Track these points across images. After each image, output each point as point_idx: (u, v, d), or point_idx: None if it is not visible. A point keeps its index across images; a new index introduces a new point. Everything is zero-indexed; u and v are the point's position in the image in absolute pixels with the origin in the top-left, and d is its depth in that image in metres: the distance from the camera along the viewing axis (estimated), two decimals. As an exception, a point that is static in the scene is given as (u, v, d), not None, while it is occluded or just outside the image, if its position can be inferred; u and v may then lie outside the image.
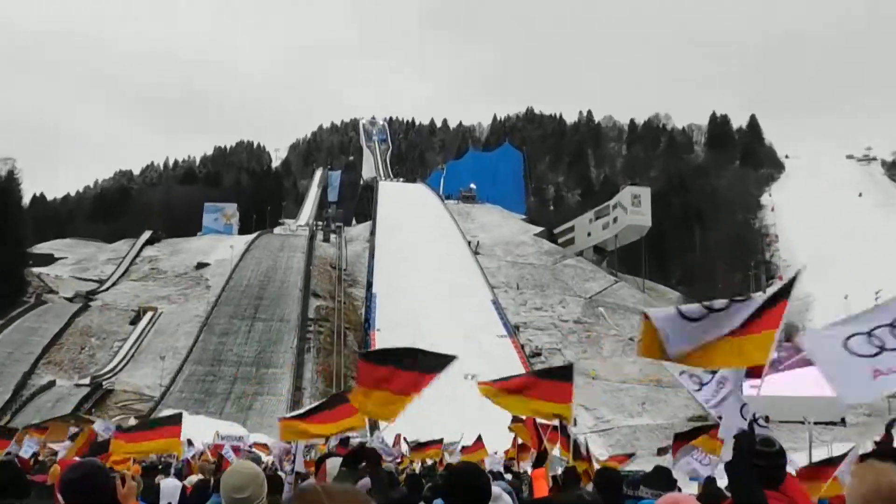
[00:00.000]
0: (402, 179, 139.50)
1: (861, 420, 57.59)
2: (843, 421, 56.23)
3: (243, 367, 61.40)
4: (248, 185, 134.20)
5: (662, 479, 5.66)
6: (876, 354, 3.79)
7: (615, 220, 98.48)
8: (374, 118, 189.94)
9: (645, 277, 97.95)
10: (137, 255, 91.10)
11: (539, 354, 72.10)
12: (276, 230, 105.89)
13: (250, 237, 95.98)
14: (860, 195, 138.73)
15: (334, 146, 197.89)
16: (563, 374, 7.56)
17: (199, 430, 35.12)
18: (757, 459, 3.41)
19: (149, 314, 72.59)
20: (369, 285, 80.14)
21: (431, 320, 69.47)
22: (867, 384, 3.81)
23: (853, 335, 3.92)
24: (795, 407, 48.27)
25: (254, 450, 21.38)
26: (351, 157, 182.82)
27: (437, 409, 51.44)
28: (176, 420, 11.03)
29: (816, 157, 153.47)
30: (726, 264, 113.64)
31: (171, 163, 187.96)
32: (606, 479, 5.72)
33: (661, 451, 49.69)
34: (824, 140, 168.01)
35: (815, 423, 48.58)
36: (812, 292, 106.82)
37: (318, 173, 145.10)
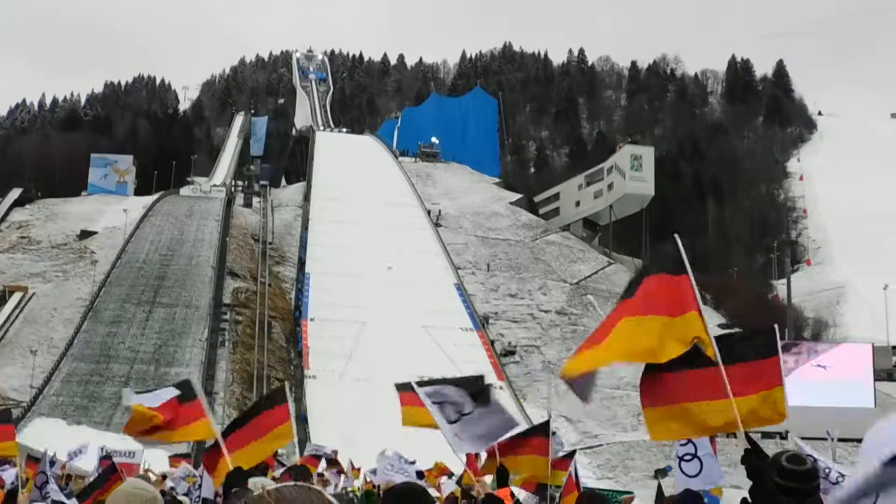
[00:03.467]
0: (345, 130, 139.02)
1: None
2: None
3: (139, 365, 60.90)
4: (149, 134, 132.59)
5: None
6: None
7: (610, 186, 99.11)
8: (310, 51, 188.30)
9: (645, 260, 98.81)
10: (2, 219, 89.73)
11: (513, 353, 72.61)
12: (184, 191, 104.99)
13: (150, 199, 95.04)
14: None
15: (259, 86, 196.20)
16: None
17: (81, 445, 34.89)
18: (786, 481, 3.45)
19: (16, 296, 71.59)
20: (301, 263, 79.90)
21: (379, 309, 69.52)
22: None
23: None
24: (818, 419, 49.15)
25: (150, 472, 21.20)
26: (281, 101, 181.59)
27: (387, 422, 51.69)
28: (5, 417, 10.54)
29: (856, 115, 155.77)
30: (745, 245, 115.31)
31: (47, 102, 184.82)
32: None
33: (659, 473, 50.48)
34: (866, 94, 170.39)
35: (844, 441, 49.59)
36: (845, 281, 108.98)
37: (239, 120, 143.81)
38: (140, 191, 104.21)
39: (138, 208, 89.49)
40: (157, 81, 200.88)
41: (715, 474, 6.80)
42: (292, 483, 1.23)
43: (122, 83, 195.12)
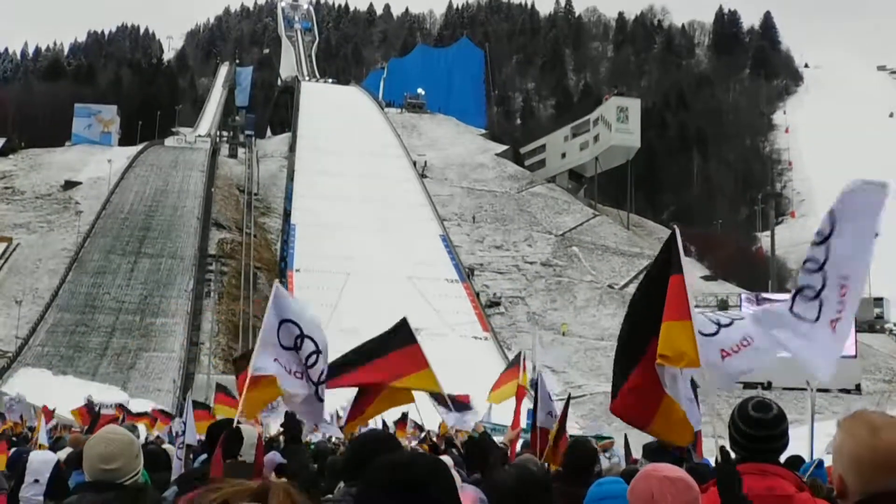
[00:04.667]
0: (331, 80, 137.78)
1: (879, 387, 59.42)
2: (857, 388, 58.03)
3: (124, 315, 60.84)
4: (133, 84, 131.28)
5: (669, 453, 5.87)
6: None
7: (596, 138, 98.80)
8: (296, 0, 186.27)
9: (630, 211, 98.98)
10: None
11: (498, 304, 72.80)
12: (169, 141, 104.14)
13: (134, 150, 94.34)
14: (892, 115, 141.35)
15: (244, 35, 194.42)
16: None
17: (68, 394, 35.01)
18: (750, 429, 3.42)
19: (0, 247, 71.28)
20: (287, 215, 79.65)
21: (365, 260, 69.50)
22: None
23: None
24: (800, 369, 49.64)
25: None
26: (266, 51, 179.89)
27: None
28: None
29: (842, 68, 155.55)
30: (729, 198, 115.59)
31: (30, 52, 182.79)
32: (579, 458, 5.90)
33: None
34: (852, 47, 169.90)
35: (824, 391, 50.15)
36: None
37: (224, 70, 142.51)
38: (124, 141, 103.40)
39: (122, 159, 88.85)
40: (141, 31, 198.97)
41: (693, 419, 6.77)
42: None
43: (106, 32, 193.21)
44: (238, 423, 5.43)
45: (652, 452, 6.24)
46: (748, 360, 4.62)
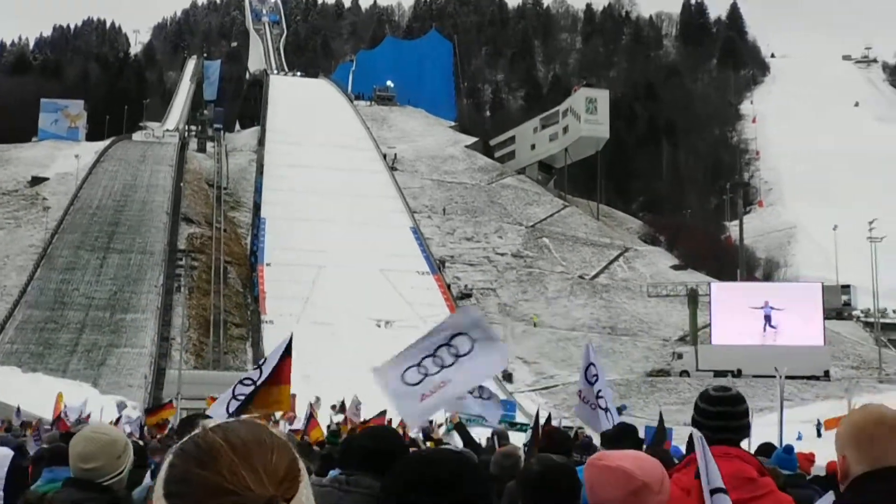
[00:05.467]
0: (300, 73, 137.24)
1: (847, 373, 60.03)
2: (826, 374, 58.60)
3: (94, 311, 60.36)
4: (100, 78, 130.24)
5: (628, 440, 5.91)
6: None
7: (566, 130, 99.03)
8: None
9: (600, 202, 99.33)
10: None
11: (469, 296, 72.90)
12: (137, 136, 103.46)
13: (102, 145, 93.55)
14: (856, 105, 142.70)
15: (212, 28, 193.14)
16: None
17: (39, 392, 34.76)
18: (710, 406, 3.55)
19: (-30, 243, 70.53)
20: (257, 208, 79.33)
21: (335, 253, 69.37)
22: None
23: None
24: (768, 357, 50.13)
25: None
26: (234, 44, 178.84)
27: (345, 365, 51.76)
28: None
29: (808, 58, 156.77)
30: (698, 187, 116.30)
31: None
32: (555, 442, 5.99)
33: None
34: (818, 37, 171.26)
35: (794, 378, 50.57)
36: (796, 222, 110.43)
37: (192, 64, 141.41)
38: (92, 136, 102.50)
39: (90, 154, 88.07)
40: (108, 24, 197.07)
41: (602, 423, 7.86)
42: (239, 418, 1.19)
43: (72, 26, 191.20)
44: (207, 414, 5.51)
45: (608, 440, 6.31)
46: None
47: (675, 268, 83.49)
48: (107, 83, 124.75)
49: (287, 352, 7.38)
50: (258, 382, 7.42)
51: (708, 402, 3.55)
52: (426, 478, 2.04)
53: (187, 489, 1.06)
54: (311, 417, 15.54)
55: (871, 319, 72.35)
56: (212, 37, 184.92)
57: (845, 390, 51.44)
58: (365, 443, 3.90)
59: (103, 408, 29.93)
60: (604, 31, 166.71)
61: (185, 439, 1.15)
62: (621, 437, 6.10)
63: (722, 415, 3.52)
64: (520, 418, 38.40)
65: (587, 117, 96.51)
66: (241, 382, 7.61)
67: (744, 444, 3.70)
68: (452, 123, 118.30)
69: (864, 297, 72.79)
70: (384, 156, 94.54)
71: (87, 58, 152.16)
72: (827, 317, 63.97)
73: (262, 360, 7.34)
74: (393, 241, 74.76)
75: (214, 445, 1.09)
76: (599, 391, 7.92)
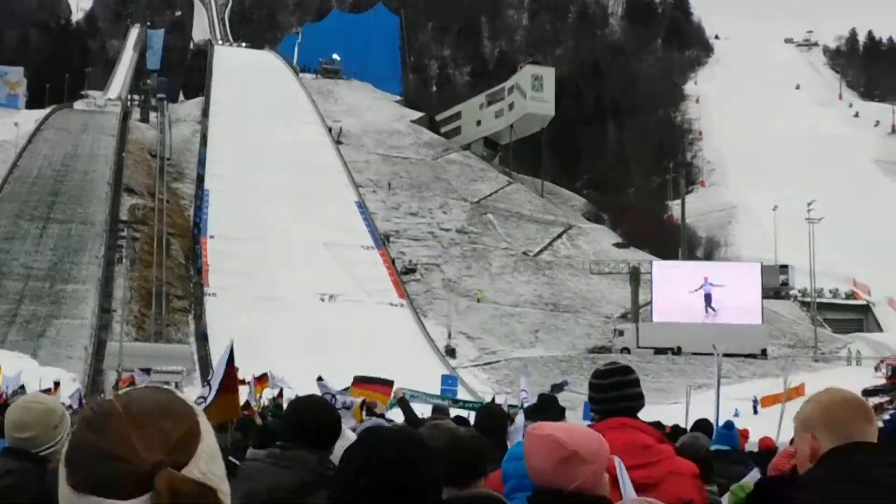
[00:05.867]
0: (245, 44, 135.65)
1: (783, 352, 61.06)
2: (763, 353, 59.49)
3: (33, 282, 59.34)
4: (40, 45, 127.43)
5: (551, 410, 6.00)
6: None
7: (511, 106, 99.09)
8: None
9: (545, 179, 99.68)
10: None
11: (413, 271, 72.89)
12: (78, 105, 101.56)
13: (42, 113, 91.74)
14: (797, 87, 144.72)
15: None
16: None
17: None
18: (600, 379, 3.73)
19: None
20: (200, 180, 78.47)
21: (279, 227, 68.91)
22: None
23: None
24: (708, 335, 50.84)
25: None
26: (178, 13, 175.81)
27: (289, 339, 51.46)
28: None
29: (751, 40, 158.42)
30: (642, 167, 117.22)
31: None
32: (489, 416, 6.03)
33: (556, 388, 51.62)
34: (761, 19, 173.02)
35: (731, 356, 51.34)
36: (737, 202, 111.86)
37: (135, 32, 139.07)
38: (32, 104, 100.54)
39: (30, 122, 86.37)
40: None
41: None
42: (143, 385, 1.19)
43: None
44: None
45: (531, 412, 6.44)
46: None
47: (617, 246, 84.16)
48: (48, 50, 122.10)
49: (230, 360, 7.23)
50: (209, 399, 7.31)
51: (601, 376, 3.72)
52: (376, 460, 2.01)
53: (79, 455, 1.05)
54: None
55: (808, 299, 73.61)
56: (155, 5, 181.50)
57: (782, 369, 52.46)
58: (300, 416, 3.86)
59: (41, 379, 29.51)
60: (550, 9, 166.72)
61: (90, 405, 1.15)
62: (543, 408, 6.21)
63: (615, 385, 3.66)
64: (462, 394, 38.59)
65: (533, 94, 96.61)
66: (195, 402, 7.55)
67: (681, 418, 3.84)
68: (398, 98, 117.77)
69: (802, 276, 74.03)
70: (329, 129, 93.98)
71: (26, 24, 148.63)
72: (765, 296, 64.95)
73: (210, 375, 7.31)
74: (337, 216, 74.49)
75: (110, 411, 1.08)
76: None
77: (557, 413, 6.04)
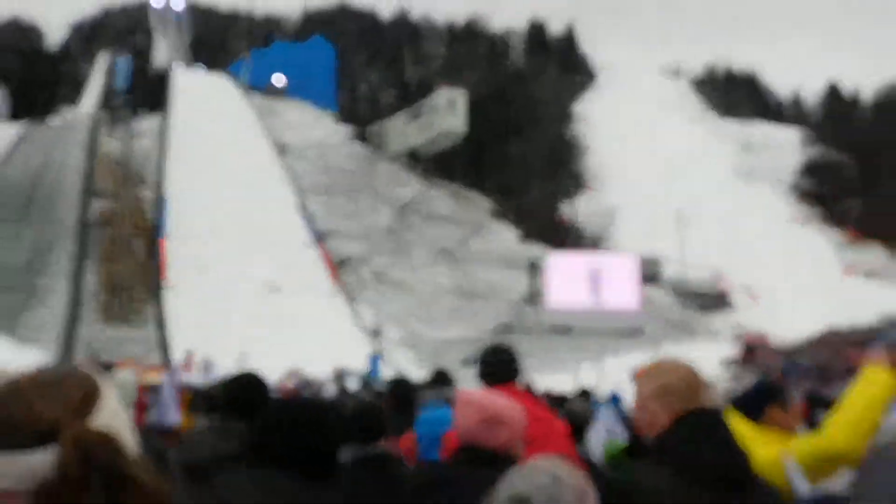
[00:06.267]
0: (200, 68, 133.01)
1: (657, 331, 62.04)
2: (640, 331, 60.33)
3: (8, 275, 57.28)
4: (18, 68, 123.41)
5: (444, 381, 6.11)
6: None
7: (430, 123, 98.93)
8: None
9: (459, 185, 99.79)
10: None
11: (347, 264, 72.25)
12: (51, 121, 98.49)
13: (18, 127, 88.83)
14: (668, 109, 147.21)
15: (123, 27, 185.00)
16: None
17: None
18: (487, 356, 3.98)
19: None
20: (159, 187, 76.69)
21: (230, 227, 67.74)
22: None
23: None
24: (593, 317, 51.34)
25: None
26: (142, 41, 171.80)
27: (239, 324, 50.43)
28: None
29: (628, 68, 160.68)
30: (540, 175, 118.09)
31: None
32: (400, 388, 6.20)
33: (465, 362, 51.55)
34: (637, 50, 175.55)
35: (612, 333, 51.94)
36: (618, 205, 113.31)
37: (103, 57, 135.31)
38: (9, 119, 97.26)
39: (8, 135, 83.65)
40: (26, 21, 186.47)
41: None
42: (61, 364, 1.17)
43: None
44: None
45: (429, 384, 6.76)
46: None
47: (519, 241, 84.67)
48: (25, 72, 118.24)
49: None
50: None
51: (490, 354, 4.00)
52: (284, 422, 2.07)
53: None
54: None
55: (678, 286, 74.80)
56: (122, 34, 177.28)
57: (655, 344, 53.18)
58: (232, 390, 3.86)
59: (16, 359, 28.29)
60: (463, 41, 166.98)
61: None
62: (438, 380, 6.36)
63: (501, 363, 3.93)
64: (386, 370, 38.21)
65: (448, 114, 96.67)
66: None
67: (569, 387, 3.92)
68: (334, 115, 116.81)
69: (672, 267, 75.32)
70: (274, 142, 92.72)
71: (4, 50, 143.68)
72: (642, 283, 65.85)
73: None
74: (281, 217, 73.61)
75: (17, 382, 1.05)
76: None
77: (449, 383, 6.11)
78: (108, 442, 0.98)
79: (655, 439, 2.40)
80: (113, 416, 1.04)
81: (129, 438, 1.03)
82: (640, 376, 2.56)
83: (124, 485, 0.94)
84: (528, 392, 3.85)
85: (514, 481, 1.84)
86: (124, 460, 0.97)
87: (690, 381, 2.45)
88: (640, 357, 48.82)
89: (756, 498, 2.28)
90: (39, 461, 0.96)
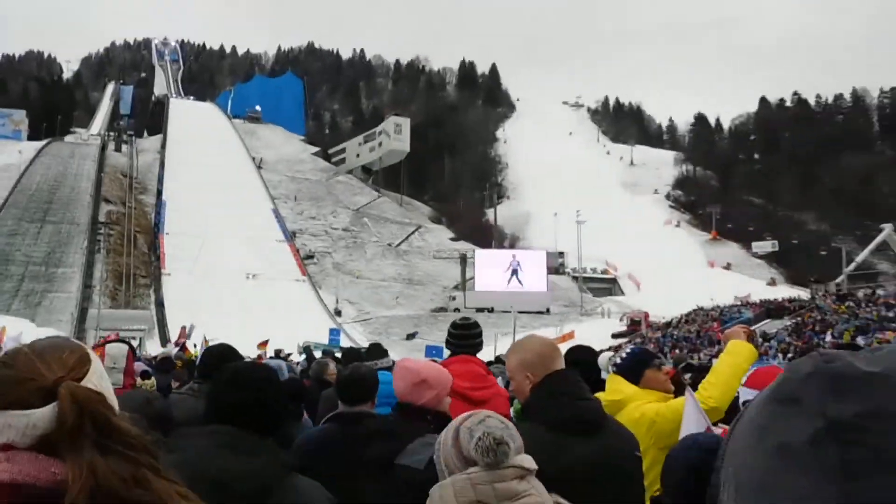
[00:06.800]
0: (192, 98, 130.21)
1: (560, 310, 62.83)
2: (547, 311, 60.85)
3: (32, 266, 55.49)
4: (38, 95, 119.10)
5: (378, 352, 6.00)
6: None
7: (381, 144, 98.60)
8: (166, 39, 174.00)
9: (403, 194, 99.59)
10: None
11: (312, 257, 71.71)
12: (68, 139, 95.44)
13: (40, 144, 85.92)
14: (570, 134, 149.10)
15: (127, 61, 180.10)
16: None
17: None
18: (456, 330, 3.73)
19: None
20: (159, 193, 75.05)
21: (217, 227, 66.60)
22: None
23: None
24: (510, 299, 51.84)
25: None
26: (143, 74, 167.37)
27: (223, 305, 49.57)
28: None
29: (539, 100, 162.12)
30: (469, 186, 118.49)
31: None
32: (350, 356, 5.92)
33: (410, 337, 51.65)
34: (546, 86, 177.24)
35: (525, 312, 52.39)
36: (531, 210, 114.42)
37: (111, 87, 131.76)
38: (32, 137, 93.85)
39: (31, 150, 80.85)
40: (45, 55, 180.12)
41: None
42: (48, 336, 1.15)
43: (16, 55, 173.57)
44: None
45: (366, 355, 6.19)
46: None
47: (452, 239, 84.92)
48: (44, 99, 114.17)
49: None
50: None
51: (456, 328, 3.74)
52: (235, 381, 1.98)
53: None
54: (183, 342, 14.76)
55: (577, 275, 75.66)
56: (127, 67, 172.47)
57: (559, 321, 53.90)
58: (208, 358, 3.70)
59: (37, 338, 27.49)
60: (408, 78, 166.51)
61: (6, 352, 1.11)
62: (373, 350, 6.23)
63: (465, 336, 3.69)
64: (344, 342, 38.10)
65: (395, 136, 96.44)
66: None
67: (491, 357, 3.90)
68: (302, 137, 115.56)
69: (572, 259, 76.15)
70: (253, 158, 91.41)
71: (28, 79, 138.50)
72: (549, 272, 66.52)
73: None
74: (258, 219, 72.62)
75: (18, 350, 1.04)
76: None
77: (383, 353, 5.99)
78: (98, 396, 0.97)
79: (525, 403, 2.39)
80: (100, 377, 1.03)
81: (112, 397, 1.03)
82: (508, 353, 2.53)
83: (111, 432, 0.94)
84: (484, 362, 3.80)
85: (489, 426, 1.84)
86: (111, 411, 0.97)
87: (543, 352, 2.39)
88: (547, 331, 49.47)
89: (609, 437, 2.28)
90: (40, 418, 0.93)
